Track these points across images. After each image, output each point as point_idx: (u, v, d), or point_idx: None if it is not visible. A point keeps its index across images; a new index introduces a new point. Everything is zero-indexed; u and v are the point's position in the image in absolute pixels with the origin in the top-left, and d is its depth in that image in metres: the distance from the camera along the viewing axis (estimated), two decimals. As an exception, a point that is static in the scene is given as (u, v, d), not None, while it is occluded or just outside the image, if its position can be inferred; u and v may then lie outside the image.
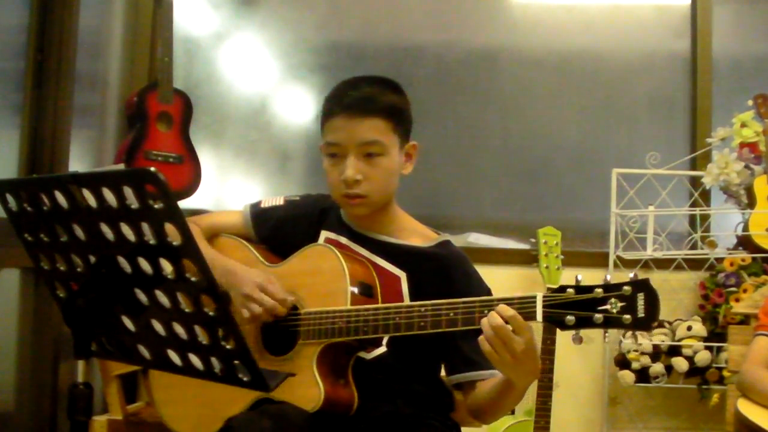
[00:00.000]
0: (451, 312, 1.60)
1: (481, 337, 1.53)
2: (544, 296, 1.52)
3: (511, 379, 1.60)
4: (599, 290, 1.49)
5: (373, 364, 1.78)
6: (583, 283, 1.52)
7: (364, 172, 1.77)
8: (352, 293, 1.71)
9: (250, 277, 1.77)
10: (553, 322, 1.52)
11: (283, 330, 1.76)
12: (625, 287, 1.47)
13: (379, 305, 1.70)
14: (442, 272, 1.83)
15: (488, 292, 1.82)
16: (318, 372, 1.68)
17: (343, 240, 1.87)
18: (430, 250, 1.86)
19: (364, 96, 1.78)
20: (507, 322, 1.50)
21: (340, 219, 1.90)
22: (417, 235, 1.89)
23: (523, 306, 1.53)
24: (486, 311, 1.54)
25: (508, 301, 1.54)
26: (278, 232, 1.93)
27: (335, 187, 1.80)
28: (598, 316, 1.48)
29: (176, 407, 1.86)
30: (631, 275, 1.50)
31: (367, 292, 1.74)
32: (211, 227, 1.97)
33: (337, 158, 1.78)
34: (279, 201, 1.97)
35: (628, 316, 1.46)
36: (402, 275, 1.82)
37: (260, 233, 1.95)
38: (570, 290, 1.51)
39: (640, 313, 1.46)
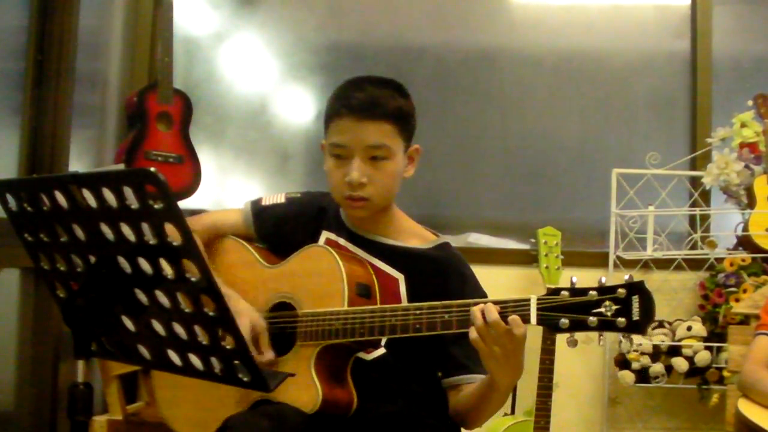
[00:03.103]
0: (446, 314, 1.60)
1: (472, 328, 1.54)
2: (538, 299, 1.52)
3: (494, 374, 1.60)
4: (593, 293, 1.48)
5: (372, 365, 1.78)
6: (579, 285, 1.51)
7: (368, 175, 1.76)
8: (350, 294, 1.70)
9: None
10: (547, 325, 1.51)
11: (281, 331, 1.76)
12: (620, 289, 1.47)
13: (375, 306, 1.69)
14: (440, 274, 1.83)
15: (483, 296, 1.82)
16: (316, 374, 1.68)
17: (342, 241, 1.86)
18: (428, 252, 1.86)
19: (373, 99, 1.76)
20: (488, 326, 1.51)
21: (339, 220, 1.90)
22: (415, 236, 1.89)
23: (517, 309, 1.52)
24: None
25: (503, 305, 1.54)
26: (279, 230, 1.92)
27: (338, 188, 1.80)
28: (593, 319, 1.48)
29: (178, 408, 1.86)
30: (627, 277, 1.49)
31: (365, 293, 1.73)
32: (212, 227, 1.96)
33: (342, 159, 1.78)
34: (280, 198, 1.96)
35: (622, 319, 1.46)
36: (400, 277, 1.82)
37: (261, 232, 1.94)
38: (564, 293, 1.50)
39: (635, 316, 1.46)
